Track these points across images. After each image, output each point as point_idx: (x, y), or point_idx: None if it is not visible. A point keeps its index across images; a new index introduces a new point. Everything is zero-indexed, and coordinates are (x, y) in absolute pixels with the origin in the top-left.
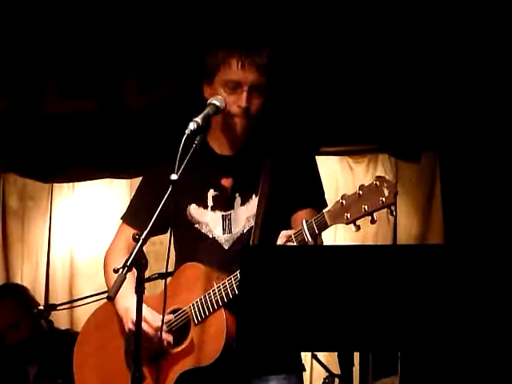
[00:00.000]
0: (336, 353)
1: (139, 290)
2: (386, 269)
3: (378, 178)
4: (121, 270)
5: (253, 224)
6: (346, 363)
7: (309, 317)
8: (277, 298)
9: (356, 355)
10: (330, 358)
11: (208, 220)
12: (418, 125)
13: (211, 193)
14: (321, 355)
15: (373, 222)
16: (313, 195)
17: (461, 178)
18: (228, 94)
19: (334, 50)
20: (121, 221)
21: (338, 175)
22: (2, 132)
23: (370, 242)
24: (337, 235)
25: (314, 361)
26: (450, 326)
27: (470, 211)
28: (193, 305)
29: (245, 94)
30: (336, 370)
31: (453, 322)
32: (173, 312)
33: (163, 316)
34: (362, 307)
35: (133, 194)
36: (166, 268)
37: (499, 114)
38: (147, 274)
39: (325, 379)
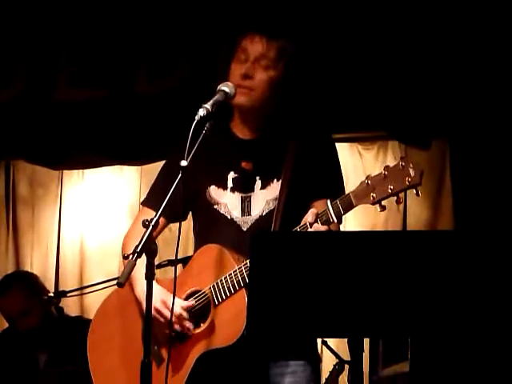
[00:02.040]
0: (346, 339)
1: (149, 277)
2: (396, 255)
3: (403, 158)
4: (131, 257)
5: (272, 207)
6: (356, 349)
7: (319, 303)
8: (287, 284)
9: (366, 341)
10: (340, 344)
11: (227, 201)
12: (428, 111)
13: (231, 175)
14: (331, 341)
15: (398, 202)
16: (333, 186)
17: (471, 165)
18: (236, 66)
19: (343, 36)
20: (140, 206)
21: (348, 162)
22: (12, 119)
23: (379, 229)
24: (346, 222)
25: (324, 347)
26: (460, 312)
27: (480, 197)
28: (213, 286)
29: (248, 63)
30: (346, 356)
31: (463, 308)
32: (192, 294)
33: (173, 303)
34: (372, 293)
35: (143, 181)
36: (176, 255)
37: (509, 100)
38: (157, 261)
39: (335, 365)
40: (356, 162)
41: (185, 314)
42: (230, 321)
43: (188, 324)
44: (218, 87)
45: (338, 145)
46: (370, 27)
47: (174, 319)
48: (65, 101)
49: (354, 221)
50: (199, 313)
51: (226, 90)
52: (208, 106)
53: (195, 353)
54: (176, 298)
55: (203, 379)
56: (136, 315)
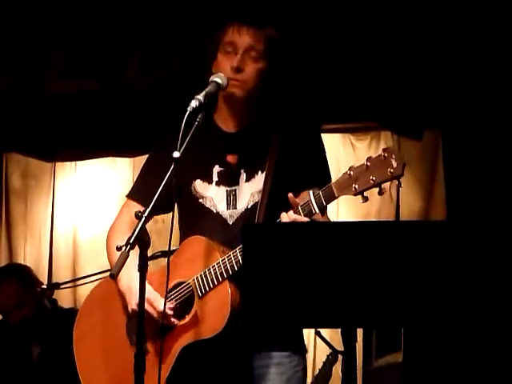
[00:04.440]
0: (339, 329)
1: (142, 268)
2: (389, 245)
3: (386, 149)
4: (123, 248)
5: (257, 200)
6: (349, 340)
7: (312, 294)
8: (279, 275)
9: (360, 332)
10: (333, 334)
11: (212, 195)
12: (421, 102)
13: (216, 168)
14: (324, 332)
15: (381, 193)
16: (319, 175)
17: (463, 155)
18: (224, 57)
19: (335, 26)
20: (125, 198)
21: (340, 152)
22: (4, 111)
23: (372, 219)
24: (339, 212)
25: (317, 338)
26: (453, 303)
27: (472, 188)
28: (196, 277)
29: (238, 56)
30: (339, 346)
31: (456, 299)
32: (176, 285)
33: (166, 295)
34: (364, 283)
35: (135, 172)
36: (169, 246)
37: (501, 90)
38: (150, 252)
39: (328, 356)
40: (349, 153)
41: (169, 312)
42: (214, 312)
43: (173, 319)
44: (211, 78)
45: (330, 136)
46: (362, 17)
47: (156, 316)
48: (57, 93)
49: (347, 211)
50: (184, 304)
51: (219, 81)
52: (200, 97)
53: (179, 344)
54: (160, 298)
55: (187, 371)
56: (119, 308)
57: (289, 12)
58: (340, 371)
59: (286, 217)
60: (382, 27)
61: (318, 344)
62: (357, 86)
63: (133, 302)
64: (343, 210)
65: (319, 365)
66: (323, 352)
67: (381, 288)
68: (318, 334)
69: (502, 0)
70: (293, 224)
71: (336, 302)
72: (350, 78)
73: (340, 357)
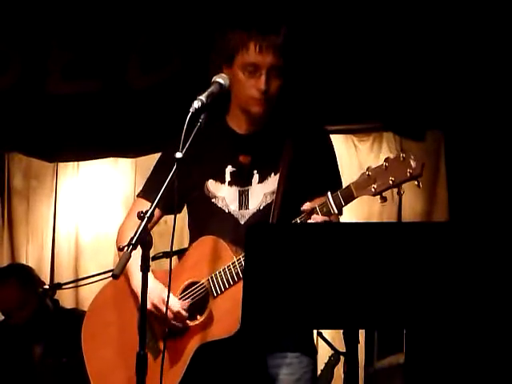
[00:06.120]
0: (341, 331)
1: (144, 269)
2: (392, 246)
3: (403, 151)
4: (126, 248)
5: (269, 201)
6: (351, 341)
7: (314, 294)
8: (281, 276)
9: (362, 333)
10: (335, 335)
11: (224, 194)
12: (423, 103)
13: (229, 169)
14: (326, 333)
15: (399, 193)
16: (331, 182)
17: (465, 156)
18: (247, 78)
19: (338, 28)
20: (136, 198)
21: (343, 154)
22: (6, 111)
23: (374, 220)
24: None
25: (319, 339)
26: (455, 304)
27: (475, 188)
28: (211, 277)
29: (263, 77)
30: (341, 347)
31: (458, 300)
32: (190, 285)
33: (168, 293)
34: (367, 284)
35: (137, 173)
36: (171, 248)
37: (503, 92)
38: (152, 253)
39: (330, 357)
40: (351, 154)
41: (183, 313)
42: (230, 311)
43: (187, 320)
44: (213, 79)
45: (332, 137)
46: (364, 19)
47: (172, 316)
48: (58, 93)
49: (349, 212)
50: (197, 305)
51: (221, 81)
52: (203, 97)
53: (194, 344)
54: (175, 299)
55: (201, 371)
56: (132, 307)
57: (290, 14)
58: (342, 372)
59: (309, 205)
60: (384, 28)
61: (320, 345)
62: (359, 88)
63: (149, 303)
64: (345, 211)
65: (321, 366)
66: (325, 353)
67: (383, 289)
68: (319, 335)
69: (502, 0)
70: (295, 225)
71: (338, 303)
72: (353, 80)
73: (342, 358)
